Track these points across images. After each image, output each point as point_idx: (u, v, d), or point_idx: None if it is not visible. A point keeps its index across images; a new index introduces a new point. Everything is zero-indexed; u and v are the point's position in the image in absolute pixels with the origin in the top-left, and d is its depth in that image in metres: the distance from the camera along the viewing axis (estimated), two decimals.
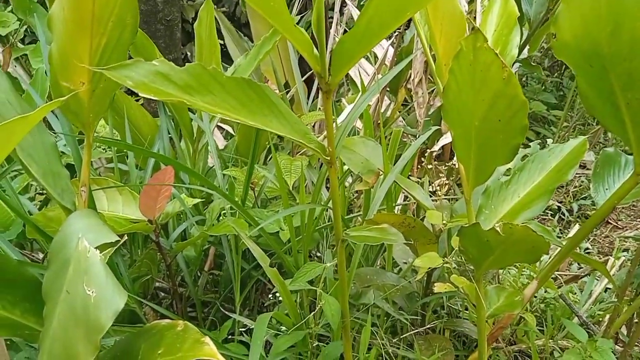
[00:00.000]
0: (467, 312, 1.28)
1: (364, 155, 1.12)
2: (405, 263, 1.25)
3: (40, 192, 1.76)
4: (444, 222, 0.92)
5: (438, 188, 0.94)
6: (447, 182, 0.96)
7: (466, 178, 0.77)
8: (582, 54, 0.68)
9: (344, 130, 1.12)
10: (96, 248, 0.61)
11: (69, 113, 0.71)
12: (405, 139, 1.91)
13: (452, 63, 0.64)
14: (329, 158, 0.71)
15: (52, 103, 0.59)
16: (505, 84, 0.62)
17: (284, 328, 1.06)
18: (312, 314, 0.91)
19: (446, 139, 1.46)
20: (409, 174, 1.40)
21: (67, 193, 0.72)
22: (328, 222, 1.42)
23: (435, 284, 0.93)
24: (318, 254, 1.51)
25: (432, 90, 1.76)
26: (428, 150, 1.46)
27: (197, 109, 1.66)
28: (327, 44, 2.12)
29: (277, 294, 1.32)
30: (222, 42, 2.34)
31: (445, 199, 1.13)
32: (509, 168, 0.90)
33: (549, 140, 2.46)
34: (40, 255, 1.50)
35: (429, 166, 1.32)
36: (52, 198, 0.69)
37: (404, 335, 1.15)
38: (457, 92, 0.66)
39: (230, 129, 2.40)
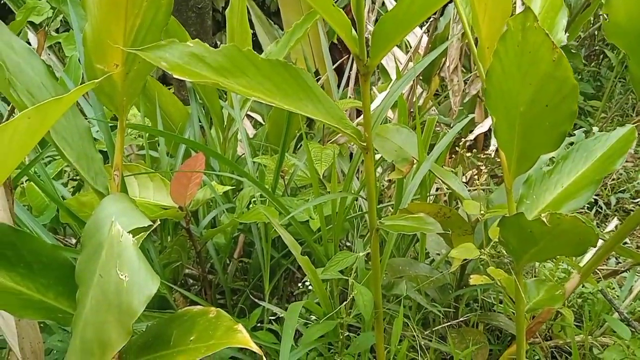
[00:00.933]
0: (501, 305, 1.25)
1: (398, 143, 1.10)
2: (439, 254, 1.22)
3: (74, 177, 1.78)
4: (482, 212, 0.89)
5: (475, 178, 0.91)
6: (485, 170, 0.92)
7: (508, 166, 0.74)
8: (636, 35, 0.64)
9: (378, 117, 1.09)
10: (129, 232, 0.60)
11: (103, 96, 0.71)
12: (437, 129, 1.87)
13: (497, 44, 0.61)
14: (364, 144, 0.69)
15: (86, 85, 0.58)
16: (555, 66, 0.59)
17: (314, 317, 1.05)
18: (344, 304, 0.90)
19: (481, 128, 1.42)
20: (442, 164, 1.37)
21: (100, 177, 0.71)
22: (358, 211, 1.40)
23: (471, 276, 0.90)
24: (347, 244, 1.49)
25: (467, 79, 1.71)
26: (463, 140, 1.42)
27: (231, 93, 1.66)
28: None
29: (307, 283, 1.31)
30: (252, 31, 2.33)
31: (480, 189, 1.10)
32: (552, 157, 0.87)
33: (594, 129, 2.37)
34: (73, 240, 1.52)
35: (468, 154, 1.28)
36: (86, 181, 0.69)
37: (436, 328, 1.13)
38: (501, 75, 0.63)
39: (259, 118, 2.40)
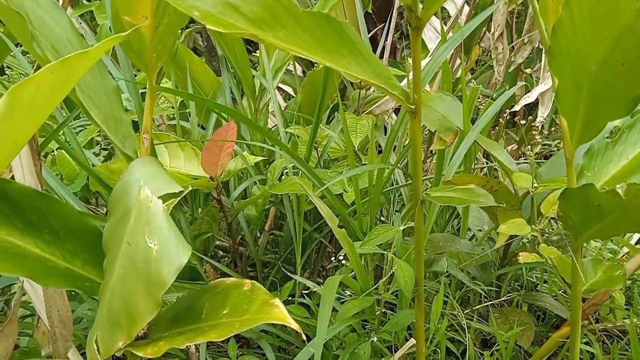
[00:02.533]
0: (545, 285, 1.18)
1: (441, 112, 1.03)
2: (480, 230, 1.16)
3: (105, 147, 1.77)
4: (535, 185, 0.82)
5: (529, 148, 0.84)
6: (539, 140, 0.85)
7: (569, 135, 0.67)
8: None
9: (421, 83, 1.02)
10: (158, 198, 0.56)
11: (131, 52, 0.66)
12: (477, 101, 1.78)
13: None
14: (413, 107, 0.63)
15: (113, 38, 0.53)
16: (636, 17, 0.51)
17: (348, 293, 1.00)
18: (384, 279, 0.85)
19: (527, 99, 1.34)
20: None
21: (129, 140, 0.67)
22: (394, 184, 1.34)
23: (520, 254, 0.84)
24: (382, 218, 1.44)
25: (513, 46, 1.62)
26: (505, 112, 1.34)
27: (263, 63, 1.60)
28: None
29: (341, 257, 1.27)
30: None
31: (533, 161, 1.02)
32: (616, 125, 0.79)
33: None
34: (104, 210, 1.50)
35: (522, 121, 1.20)
36: (114, 145, 0.65)
37: (476, 307, 1.07)
38: (571, 30, 0.56)
39: (290, 90, 2.34)
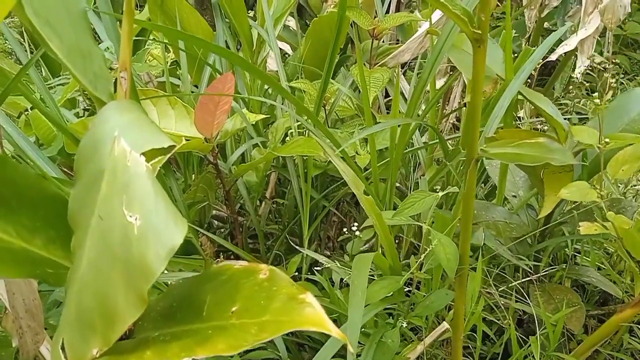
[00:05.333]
0: (586, 258, 1.05)
1: None
2: (515, 196, 1.02)
3: (88, 107, 1.60)
4: (606, 140, 0.68)
5: (595, 96, 0.69)
6: (612, 84, 0.70)
7: None
8: None
9: (453, 26, 0.87)
10: (140, 155, 0.41)
11: None
12: None
13: None
14: (479, 32, 0.47)
15: None
16: None
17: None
18: (422, 256, 0.70)
19: (566, 46, 1.18)
20: None
21: (101, 80, 0.51)
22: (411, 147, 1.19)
23: (581, 224, 0.70)
24: (397, 185, 1.29)
25: None
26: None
27: (262, 11, 1.42)
28: None
29: (354, 228, 1.13)
30: None
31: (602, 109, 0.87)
32: None
33: None
34: None
35: (576, 76, 1.05)
36: (82, 85, 0.49)
37: (513, 284, 0.94)
38: None
39: (288, 48, 2.15)
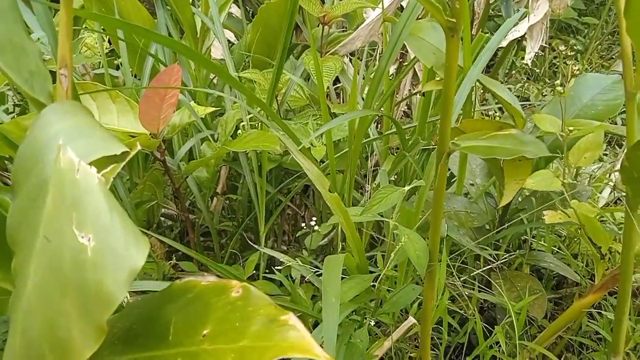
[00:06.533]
0: (542, 243, 1.06)
1: (435, 45, 0.85)
2: (472, 185, 1.01)
3: (19, 102, 1.49)
4: (570, 128, 0.67)
5: (558, 83, 0.68)
6: (575, 70, 0.69)
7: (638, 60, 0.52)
8: None
9: (412, 10, 0.85)
10: (89, 164, 0.36)
11: None
12: None
13: None
14: (453, 20, 0.44)
15: None
16: None
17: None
18: (392, 254, 0.68)
19: (515, 32, 1.18)
20: None
21: (38, 78, 0.45)
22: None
23: (545, 213, 0.70)
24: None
25: None
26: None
27: None
28: None
29: (313, 223, 1.10)
30: None
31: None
32: None
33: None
34: None
35: (527, 61, 1.05)
36: (15, 85, 0.43)
37: (474, 273, 0.93)
38: None
39: (232, 37, 2.08)
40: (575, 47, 2.77)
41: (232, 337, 0.35)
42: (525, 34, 1.14)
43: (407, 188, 0.66)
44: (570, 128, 0.67)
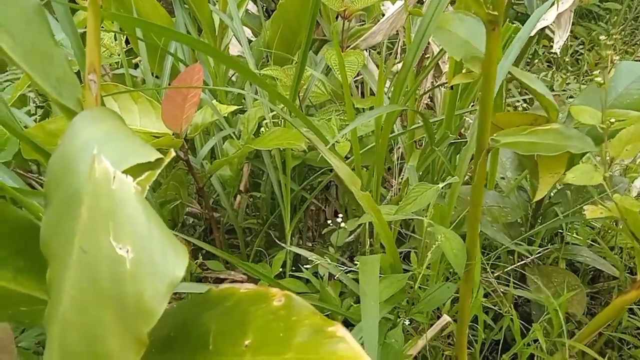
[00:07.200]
0: (577, 237, 1.03)
1: (463, 37, 0.83)
2: (503, 178, 0.99)
3: (41, 104, 1.49)
4: (611, 120, 0.64)
5: (597, 73, 0.65)
6: (615, 58, 0.66)
7: None
8: None
9: (439, 2, 0.82)
10: (124, 173, 0.35)
11: None
12: None
13: None
14: (494, 13, 0.42)
15: None
16: None
17: None
18: (429, 253, 0.66)
19: (544, 21, 1.14)
20: None
21: (66, 85, 0.44)
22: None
23: (586, 208, 0.67)
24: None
25: None
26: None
27: None
28: None
29: (339, 220, 1.08)
30: None
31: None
32: None
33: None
34: None
35: (555, 50, 1.02)
36: (45, 94, 0.42)
37: (509, 268, 0.91)
38: None
39: (249, 34, 2.07)
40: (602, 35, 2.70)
41: (276, 349, 0.33)
42: (551, 22, 1.11)
43: (441, 185, 0.64)
44: (612, 120, 0.64)
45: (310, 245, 1.34)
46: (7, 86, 1.40)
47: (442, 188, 0.65)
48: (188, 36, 0.75)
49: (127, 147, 0.37)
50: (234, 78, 1.54)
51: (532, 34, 1.24)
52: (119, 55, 1.50)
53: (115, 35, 1.53)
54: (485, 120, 0.50)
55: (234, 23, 1.33)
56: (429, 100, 1.55)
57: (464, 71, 0.87)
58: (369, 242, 1.00)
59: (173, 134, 1.02)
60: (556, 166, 0.77)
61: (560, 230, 0.99)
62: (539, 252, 0.93)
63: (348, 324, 0.91)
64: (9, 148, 1.15)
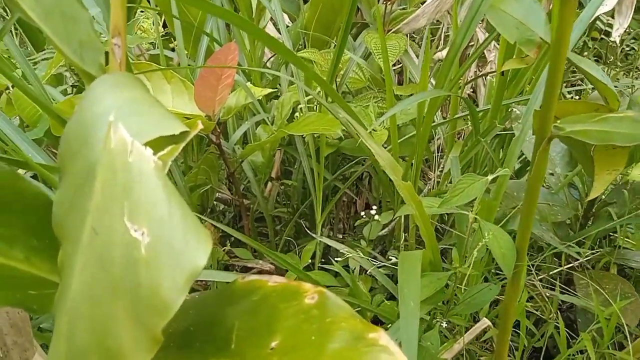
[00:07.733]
0: (630, 241, 0.96)
1: (518, 18, 0.76)
2: (552, 174, 0.92)
3: (75, 83, 1.48)
4: None
5: None
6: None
7: None
8: None
9: None
10: (145, 145, 0.31)
11: None
12: None
13: None
14: None
15: None
16: None
17: None
18: (474, 251, 0.61)
19: (603, 7, 1.06)
20: None
21: (89, 49, 0.40)
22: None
23: None
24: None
25: None
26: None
27: None
28: None
29: (373, 212, 1.03)
30: None
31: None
32: None
33: None
34: None
35: (614, 38, 0.95)
36: (64, 56, 0.39)
37: (556, 270, 0.85)
38: None
39: (286, 18, 2.02)
40: None
41: (307, 355, 0.29)
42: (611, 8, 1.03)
43: (490, 177, 0.59)
44: None
45: (341, 237, 1.29)
46: (42, 64, 1.40)
47: (490, 182, 0.60)
48: (225, 10, 0.71)
49: (150, 117, 0.33)
50: (268, 64, 1.51)
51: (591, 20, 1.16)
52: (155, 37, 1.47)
53: (154, 18, 1.51)
54: (550, 106, 0.45)
55: (271, 4, 1.28)
56: (470, 90, 1.48)
57: (514, 56, 0.81)
58: (403, 237, 0.95)
59: (205, 116, 0.99)
60: (615, 163, 0.70)
61: (611, 233, 0.92)
62: (588, 255, 0.87)
63: (377, 322, 0.86)
64: (41, 125, 1.14)
